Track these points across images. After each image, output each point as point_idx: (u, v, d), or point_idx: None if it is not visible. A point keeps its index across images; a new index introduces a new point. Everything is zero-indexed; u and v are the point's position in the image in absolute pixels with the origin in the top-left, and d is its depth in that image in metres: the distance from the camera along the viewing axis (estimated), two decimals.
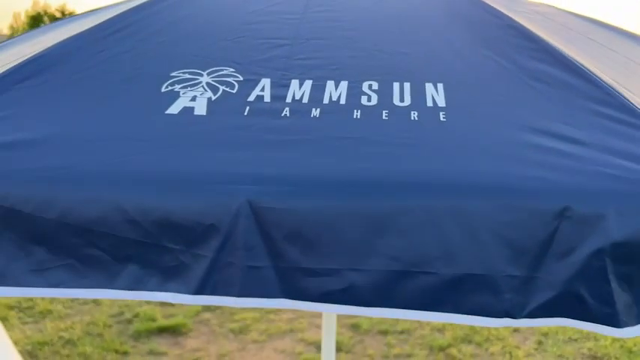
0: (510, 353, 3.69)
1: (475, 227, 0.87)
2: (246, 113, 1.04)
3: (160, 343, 3.85)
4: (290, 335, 3.96)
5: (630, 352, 3.67)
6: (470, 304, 0.89)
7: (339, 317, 4.13)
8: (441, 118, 1.01)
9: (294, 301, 0.92)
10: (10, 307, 4.28)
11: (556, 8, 1.75)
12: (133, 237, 0.92)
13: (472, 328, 4.00)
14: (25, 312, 4.26)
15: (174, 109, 1.05)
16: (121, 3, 1.76)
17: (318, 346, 3.69)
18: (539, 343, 3.82)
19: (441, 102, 1.05)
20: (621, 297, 0.87)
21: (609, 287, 0.86)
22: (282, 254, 0.90)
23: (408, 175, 0.90)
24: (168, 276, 0.93)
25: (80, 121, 1.05)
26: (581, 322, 0.89)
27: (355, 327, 4.05)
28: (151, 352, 3.73)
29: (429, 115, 1.02)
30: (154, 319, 4.15)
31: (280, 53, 1.19)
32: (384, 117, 1.02)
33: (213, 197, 0.90)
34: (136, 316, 4.22)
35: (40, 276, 0.95)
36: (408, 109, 1.03)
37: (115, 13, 1.37)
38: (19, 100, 1.08)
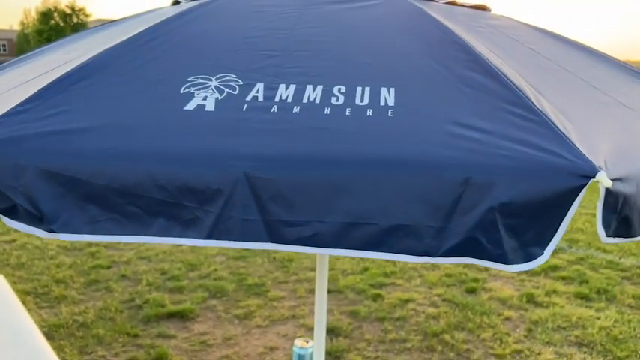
0: (501, 339, 4.07)
1: (404, 191, 1.30)
2: (244, 109, 1.47)
3: (169, 327, 4.27)
4: (292, 321, 4.37)
5: (615, 339, 4.04)
6: (400, 246, 1.31)
7: (339, 305, 4.55)
8: (389, 114, 1.43)
9: (276, 244, 1.35)
10: (27, 293, 4.73)
11: (513, 20, 2.17)
12: (161, 198, 1.36)
13: (465, 315, 4.40)
14: (41, 297, 4.71)
15: (190, 105, 1.48)
16: (146, 12, 2.20)
17: None
18: (529, 330, 4.20)
19: (391, 102, 1.47)
20: (508, 242, 1.29)
21: (499, 235, 1.29)
22: (268, 210, 1.33)
23: (359, 154, 1.33)
24: (186, 226, 1.37)
25: (120, 114, 1.48)
26: (480, 260, 1.31)
27: (354, 314, 4.45)
28: (160, 335, 4.15)
29: (381, 112, 1.44)
30: (162, 305, 4.57)
31: (272, 62, 1.62)
32: (347, 113, 1.44)
33: (219, 169, 1.34)
34: (146, 302, 4.64)
35: (93, 226, 1.39)
36: (366, 107, 1.46)
37: (142, 26, 1.81)
38: (74, 98, 1.52)
